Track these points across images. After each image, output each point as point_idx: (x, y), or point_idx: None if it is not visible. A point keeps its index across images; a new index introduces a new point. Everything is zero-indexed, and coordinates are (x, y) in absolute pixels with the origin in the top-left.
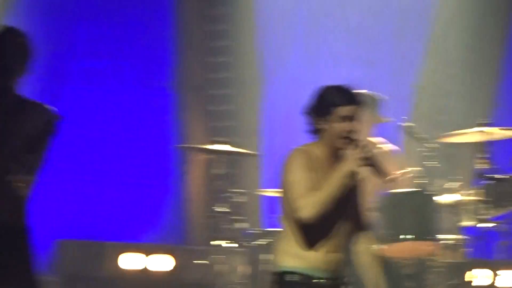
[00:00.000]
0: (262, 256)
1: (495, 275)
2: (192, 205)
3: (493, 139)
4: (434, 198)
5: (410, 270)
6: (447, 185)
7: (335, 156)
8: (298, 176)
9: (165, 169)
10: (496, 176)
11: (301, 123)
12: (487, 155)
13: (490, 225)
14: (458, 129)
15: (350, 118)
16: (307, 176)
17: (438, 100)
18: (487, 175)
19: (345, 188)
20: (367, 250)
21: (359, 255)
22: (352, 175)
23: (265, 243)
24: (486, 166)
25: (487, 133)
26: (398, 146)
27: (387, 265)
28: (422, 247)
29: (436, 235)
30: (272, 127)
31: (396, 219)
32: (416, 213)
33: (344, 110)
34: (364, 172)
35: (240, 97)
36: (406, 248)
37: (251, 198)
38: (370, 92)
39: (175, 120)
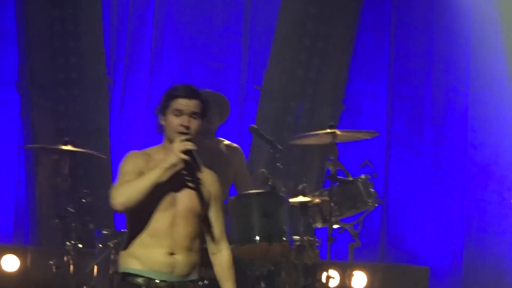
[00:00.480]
0: (113, 257)
1: (347, 275)
2: (42, 206)
3: (340, 141)
4: (285, 199)
5: (262, 271)
6: (300, 186)
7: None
8: (123, 172)
9: (13, 170)
10: (345, 178)
11: (152, 124)
12: (336, 157)
13: (341, 226)
14: (304, 131)
15: (184, 112)
16: (131, 172)
17: (283, 102)
18: (336, 177)
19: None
20: (218, 252)
21: (211, 257)
22: (174, 168)
23: (115, 244)
24: (335, 168)
25: (336, 135)
26: (246, 148)
27: (238, 266)
28: (274, 248)
29: (288, 236)
30: (124, 128)
31: (246, 220)
32: (266, 214)
33: (178, 103)
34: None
35: (86, 98)
36: (256, 249)
37: (103, 199)
38: (215, 92)
39: (22, 120)
